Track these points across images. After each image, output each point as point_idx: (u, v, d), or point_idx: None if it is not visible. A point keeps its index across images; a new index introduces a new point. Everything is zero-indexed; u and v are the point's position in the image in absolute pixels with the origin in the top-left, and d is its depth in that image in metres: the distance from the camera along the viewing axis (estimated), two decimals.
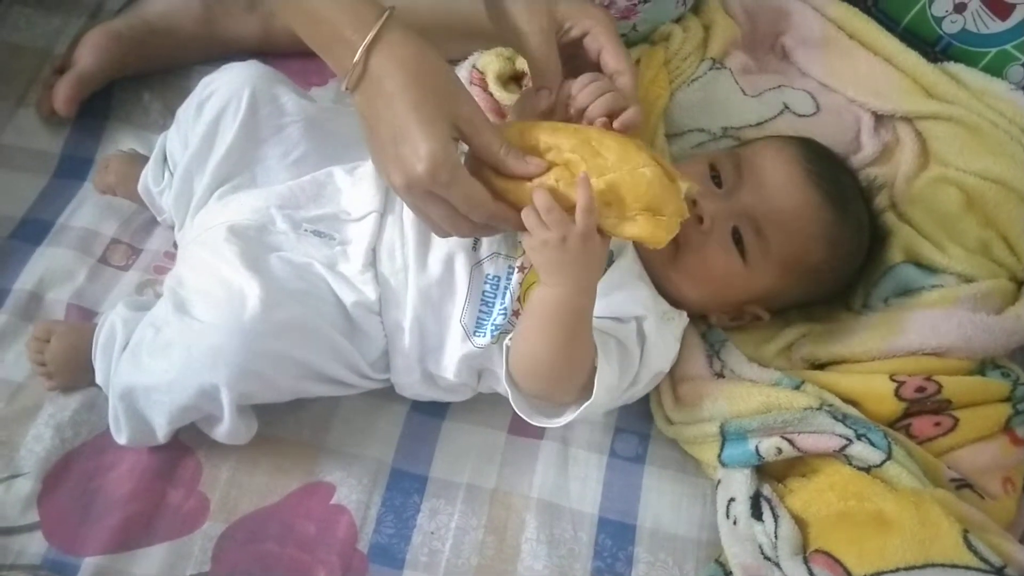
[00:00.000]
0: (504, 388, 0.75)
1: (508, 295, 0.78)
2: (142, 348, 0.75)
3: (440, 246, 0.78)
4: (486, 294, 0.78)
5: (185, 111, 0.86)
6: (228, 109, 0.82)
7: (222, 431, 0.77)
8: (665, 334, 0.80)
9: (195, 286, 0.76)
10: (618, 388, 0.76)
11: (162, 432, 0.77)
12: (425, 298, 0.78)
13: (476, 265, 0.79)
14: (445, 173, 0.66)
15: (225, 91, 0.83)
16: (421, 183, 0.66)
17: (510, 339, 0.74)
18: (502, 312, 0.77)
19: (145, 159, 0.92)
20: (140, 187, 0.91)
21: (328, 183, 0.83)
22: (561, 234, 0.67)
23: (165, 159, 0.89)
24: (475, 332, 0.78)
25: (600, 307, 0.74)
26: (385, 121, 0.67)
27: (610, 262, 0.80)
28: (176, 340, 0.73)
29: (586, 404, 0.72)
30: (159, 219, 0.94)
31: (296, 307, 0.74)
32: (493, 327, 0.77)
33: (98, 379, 0.79)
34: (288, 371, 0.75)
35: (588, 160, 0.69)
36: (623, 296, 0.78)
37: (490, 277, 0.78)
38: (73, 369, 0.83)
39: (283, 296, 0.74)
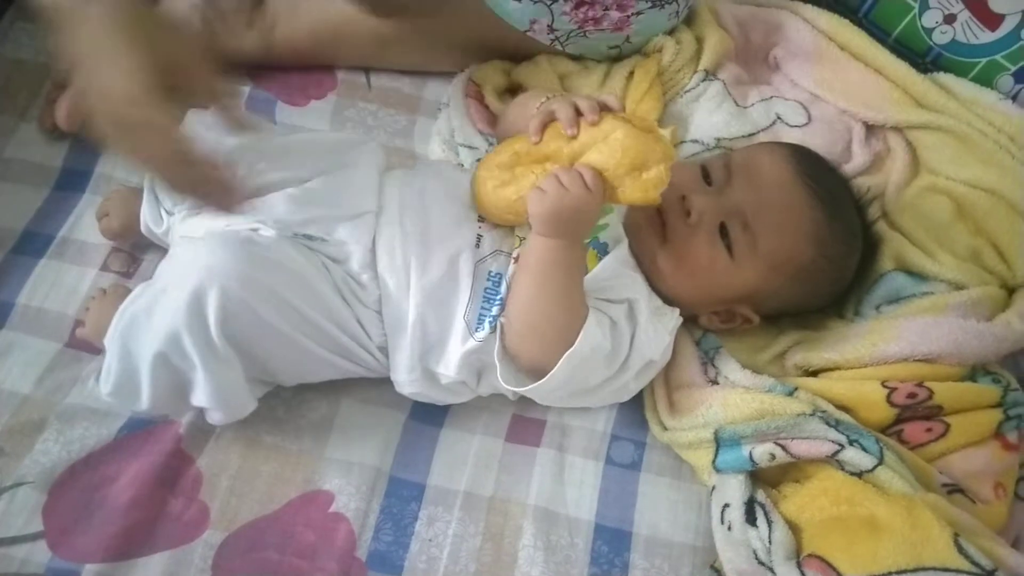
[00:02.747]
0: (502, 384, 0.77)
1: (504, 285, 0.79)
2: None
3: (443, 246, 0.80)
4: (488, 291, 0.79)
5: None
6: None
7: (199, 379, 0.74)
8: (657, 324, 0.81)
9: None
10: (607, 357, 0.77)
11: (146, 380, 0.74)
12: (429, 297, 0.79)
13: (480, 262, 0.80)
14: (143, 96, 0.61)
15: None
16: (119, 107, 0.62)
17: (504, 316, 0.77)
18: (499, 303, 0.78)
19: (139, 192, 0.90)
20: (143, 229, 0.89)
21: (314, 188, 0.81)
22: (577, 195, 0.72)
23: (157, 198, 0.87)
24: (476, 328, 0.79)
25: (593, 291, 0.78)
26: (87, 52, 0.63)
27: (604, 253, 0.82)
28: (177, 256, 0.79)
29: (569, 351, 0.74)
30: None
31: (294, 254, 0.76)
32: (491, 318, 0.78)
33: (106, 337, 0.76)
34: (279, 314, 0.74)
35: (565, 148, 0.76)
36: (616, 283, 0.81)
37: (492, 274, 0.80)
38: (99, 333, 0.81)
39: (285, 243, 0.77)
